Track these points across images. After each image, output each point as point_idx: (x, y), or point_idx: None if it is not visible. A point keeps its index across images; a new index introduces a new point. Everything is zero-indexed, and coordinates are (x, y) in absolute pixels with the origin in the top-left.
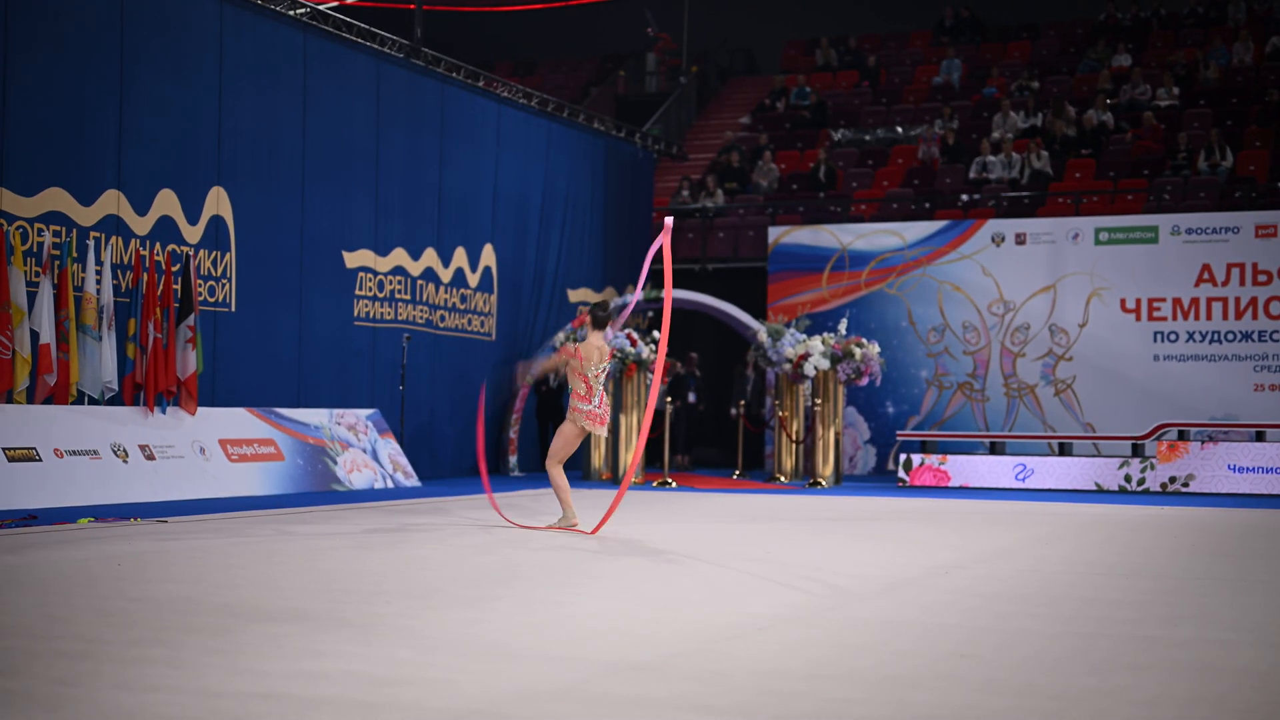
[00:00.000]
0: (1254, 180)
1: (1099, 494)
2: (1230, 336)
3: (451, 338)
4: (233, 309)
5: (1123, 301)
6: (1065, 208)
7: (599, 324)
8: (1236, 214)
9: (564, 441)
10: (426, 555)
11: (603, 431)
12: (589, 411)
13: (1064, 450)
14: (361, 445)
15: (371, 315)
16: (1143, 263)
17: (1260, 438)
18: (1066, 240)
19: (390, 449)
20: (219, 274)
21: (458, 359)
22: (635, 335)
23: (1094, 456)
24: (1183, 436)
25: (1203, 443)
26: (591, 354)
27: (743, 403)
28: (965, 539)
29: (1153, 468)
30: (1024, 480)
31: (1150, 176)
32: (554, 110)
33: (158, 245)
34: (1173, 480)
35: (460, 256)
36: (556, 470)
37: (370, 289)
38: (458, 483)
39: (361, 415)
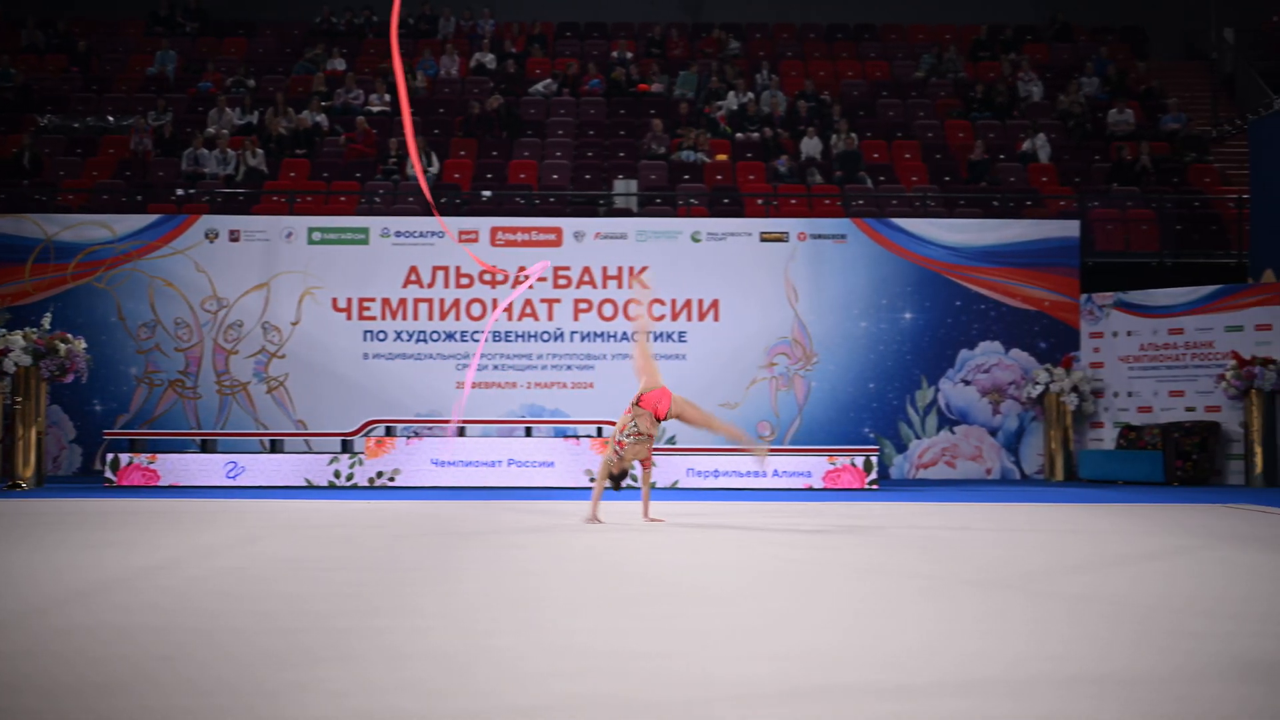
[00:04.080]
0: (459, 187)
1: (310, 489)
2: (435, 336)
3: None
4: None
5: (334, 300)
6: (280, 206)
7: None
8: (442, 219)
9: None
10: None
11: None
12: None
13: (275, 447)
14: None
15: None
16: (354, 263)
17: (461, 433)
18: (280, 239)
19: None
20: None
21: None
22: None
23: (305, 453)
24: (390, 433)
25: (408, 439)
26: None
27: None
28: (171, 539)
29: (361, 463)
30: (235, 478)
31: (362, 179)
32: None
33: None
34: (380, 475)
35: None
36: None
37: None
38: None
39: None
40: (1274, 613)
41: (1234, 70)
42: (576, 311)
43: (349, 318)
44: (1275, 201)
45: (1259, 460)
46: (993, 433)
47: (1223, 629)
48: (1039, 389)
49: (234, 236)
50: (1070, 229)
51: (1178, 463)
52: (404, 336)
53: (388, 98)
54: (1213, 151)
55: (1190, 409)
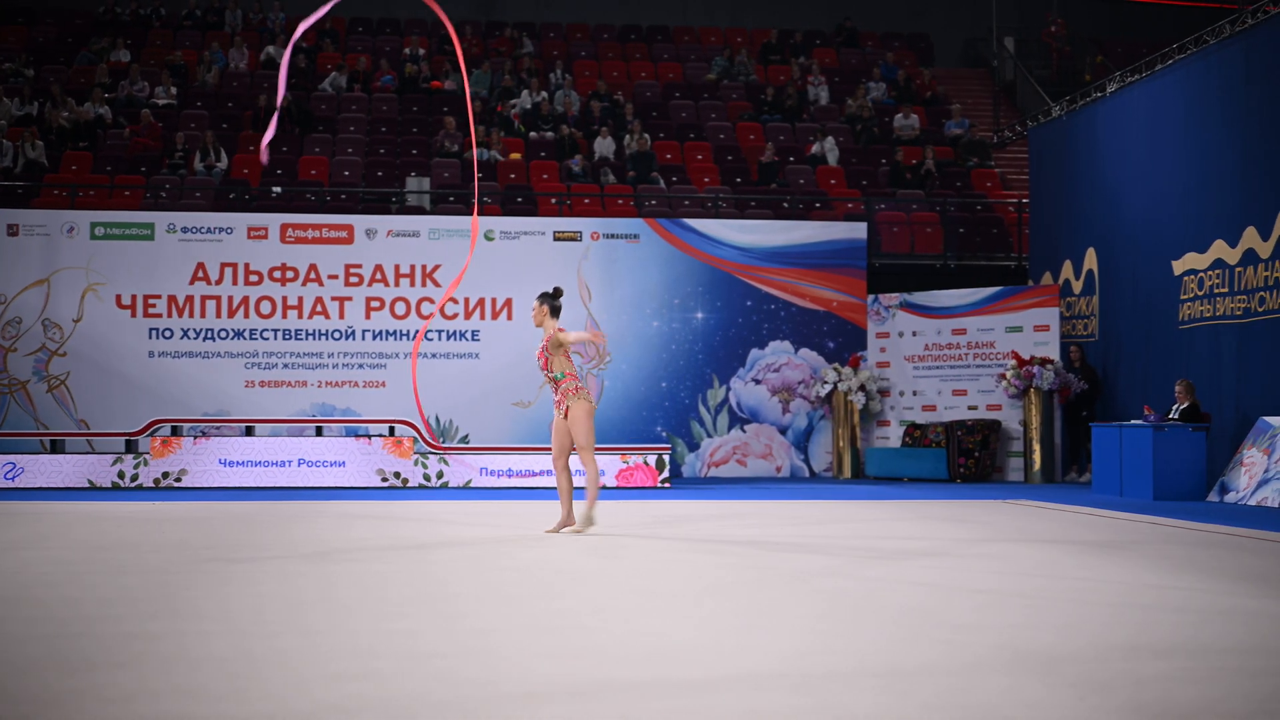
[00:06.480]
0: (248, 183)
1: (93, 491)
2: (224, 334)
3: None
4: None
5: (119, 298)
6: (61, 200)
7: (556, 312)
8: (231, 214)
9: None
10: None
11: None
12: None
13: (57, 448)
14: None
15: None
16: (139, 259)
17: (250, 432)
18: (61, 234)
19: None
20: None
21: None
22: None
23: (88, 454)
24: (176, 432)
25: (195, 438)
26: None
27: None
28: None
29: (146, 464)
30: (14, 479)
31: (148, 174)
32: None
33: None
34: (166, 475)
35: None
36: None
37: None
38: None
39: None
40: (1049, 605)
41: (1014, 78)
42: (368, 310)
43: (134, 315)
44: (1053, 206)
45: (1038, 457)
46: (783, 431)
47: (1001, 622)
48: (827, 388)
49: (12, 231)
50: (858, 231)
51: (960, 460)
52: (191, 334)
53: (174, 90)
54: (994, 157)
55: (973, 407)
